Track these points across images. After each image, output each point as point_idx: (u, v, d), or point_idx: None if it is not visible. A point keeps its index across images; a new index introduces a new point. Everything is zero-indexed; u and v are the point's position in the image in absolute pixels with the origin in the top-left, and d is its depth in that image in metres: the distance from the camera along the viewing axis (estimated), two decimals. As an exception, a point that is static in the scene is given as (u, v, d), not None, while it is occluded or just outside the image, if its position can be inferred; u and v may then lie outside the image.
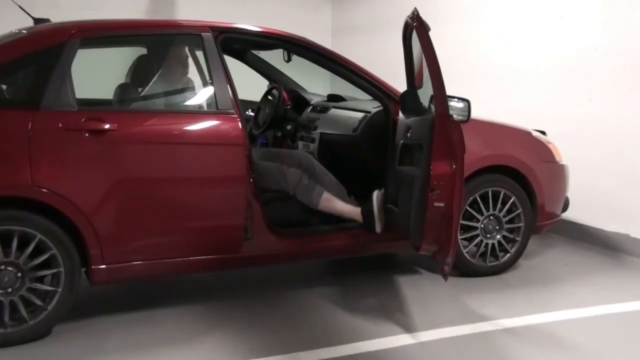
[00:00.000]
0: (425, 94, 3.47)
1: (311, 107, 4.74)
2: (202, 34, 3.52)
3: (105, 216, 3.18)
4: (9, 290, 3.03)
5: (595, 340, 3.24)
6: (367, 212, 3.66)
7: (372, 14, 7.83)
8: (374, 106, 4.12)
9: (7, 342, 3.05)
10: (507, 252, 4.20)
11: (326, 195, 3.73)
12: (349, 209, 3.74)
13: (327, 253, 3.98)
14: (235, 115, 3.44)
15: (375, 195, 3.65)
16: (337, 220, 3.77)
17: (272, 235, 3.59)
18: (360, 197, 4.06)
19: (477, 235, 4.09)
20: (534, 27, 5.45)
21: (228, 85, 3.48)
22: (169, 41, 3.92)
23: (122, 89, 3.77)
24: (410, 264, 4.43)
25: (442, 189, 3.18)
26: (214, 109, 3.45)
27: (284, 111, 4.73)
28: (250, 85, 4.33)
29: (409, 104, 3.71)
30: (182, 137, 3.38)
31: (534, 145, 4.29)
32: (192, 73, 3.99)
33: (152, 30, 3.69)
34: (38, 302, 3.10)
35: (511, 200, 4.10)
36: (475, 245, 4.10)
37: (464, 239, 4.07)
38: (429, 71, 3.22)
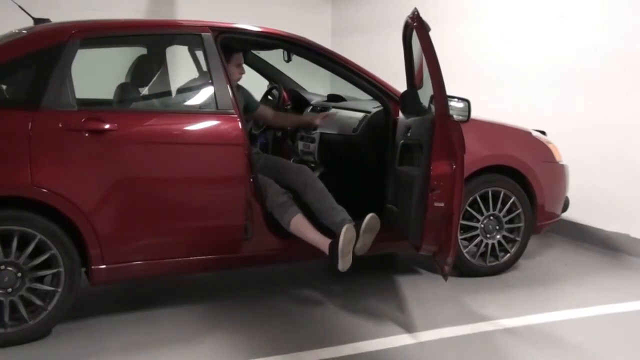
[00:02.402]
0: (425, 94, 3.47)
1: (311, 107, 4.74)
2: (202, 34, 3.52)
3: (106, 216, 3.18)
4: (9, 290, 3.03)
5: (595, 340, 3.24)
6: (333, 248, 3.39)
7: (372, 14, 7.83)
8: (374, 106, 4.13)
9: (7, 342, 3.05)
10: (507, 252, 4.20)
11: (298, 218, 3.53)
12: (319, 239, 3.48)
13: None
14: (235, 115, 3.44)
15: (345, 230, 3.36)
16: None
17: (272, 235, 3.59)
18: (360, 199, 4.07)
19: (477, 235, 4.09)
20: (534, 27, 5.45)
21: (228, 85, 3.48)
22: (169, 41, 3.93)
23: (122, 89, 3.77)
24: (410, 264, 4.43)
25: (442, 189, 3.18)
26: (214, 109, 3.45)
27: (284, 111, 4.73)
28: (250, 85, 4.33)
29: (409, 104, 3.71)
30: (182, 137, 3.38)
31: (534, 145, 4.29)
32: (192, 73, 3.99)
33: (152, 30, 3.70)
34: (38, 302, 3.10)
35: (511, 200, 4.10)
36: (475, 245, 4.10)
37: (464, 239, 4.07)
38: (429, 71, 3.22)
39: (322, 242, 3.48)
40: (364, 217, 3.86)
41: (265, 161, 3.89)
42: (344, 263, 3.37)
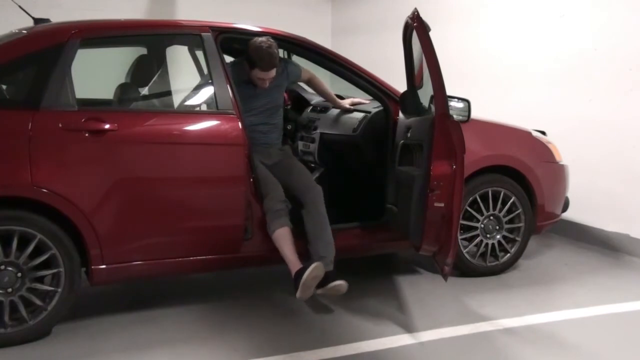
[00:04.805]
0: (425, 94, 3.47)
1: (311, 107, 4.74)
2: (202, 34, 3.52)
3: (105, 216, 3.18)
4: (9, 290, 3.03)
5: (595, 340, 3.24)
6: (297, 276, 3.39)
7: (372, 14, 7.83)
8: (374, 106, 4.13)
9: (7, 342, 3.05)
10: (507, 252, 4.20)
11: (282, 232, 3.50)
12: (292, 260, 3.48)
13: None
14: (235, 115, 3.44)
15: (313, 267, 3.34)
16: (337, 220, 3.76)
17: (272, 236, 3.59)
18: (360, 199, 4.07)
19: (477, 235, 4.09)
20: (534, 27, 5.45)
21: (228, 85, 3.48)
22: (169, 41, 3.93)
23: (122, 89, 3.77)
24: (410, 264, 4.43)
25: (442, 189, 3.18)
26: (214, 109, 3.45)
27: (284, 111, 4.72)
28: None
29: (409, 104, 3.71)
30: (182, 137, 3.37)
31: (534, 145, 4.29)
32: (192, 73, 3.99)
33: (152, 30, 3.69)
34: (38, 302, 3.10)
35: (511, 200, 4.10)
36: (475, 245, 4.10)
37: (464, 239, 4.07)
38: (429, 71, 3.22)
39: (294, 264, 3.47)
40: (364, 218, 3.86)
41: (288, 160, 3.85)
42: (302, 294, 3.38)
